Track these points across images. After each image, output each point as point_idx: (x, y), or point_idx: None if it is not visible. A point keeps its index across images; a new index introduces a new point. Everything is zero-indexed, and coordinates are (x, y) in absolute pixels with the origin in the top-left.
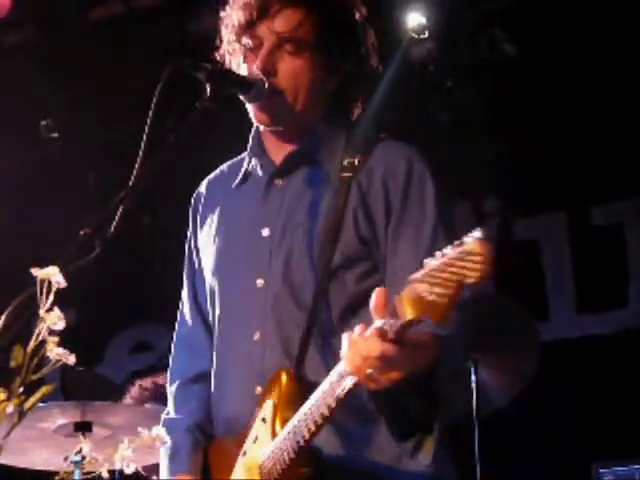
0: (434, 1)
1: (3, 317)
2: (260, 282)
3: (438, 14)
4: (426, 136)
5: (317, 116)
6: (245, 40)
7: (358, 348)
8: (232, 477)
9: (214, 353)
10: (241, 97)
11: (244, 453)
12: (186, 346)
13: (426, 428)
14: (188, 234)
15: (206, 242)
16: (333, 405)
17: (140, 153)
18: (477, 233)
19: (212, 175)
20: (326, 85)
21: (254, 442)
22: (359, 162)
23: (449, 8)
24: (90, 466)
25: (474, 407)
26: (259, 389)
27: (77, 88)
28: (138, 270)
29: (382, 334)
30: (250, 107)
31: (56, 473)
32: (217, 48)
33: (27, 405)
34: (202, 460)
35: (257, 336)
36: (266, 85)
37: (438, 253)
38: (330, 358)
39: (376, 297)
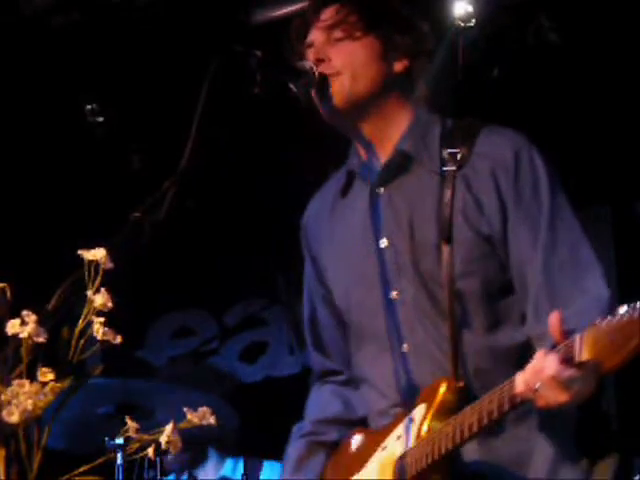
0: None
1: (53, 299)
2: (394, 294)
3: (484, 2)
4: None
5: (391, 104)
6: (303, 50)
7: (535, 363)
8: (366, 469)
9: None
10: (292, 86)
11: (384, 448)
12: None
13: (599, 453)
14: (305, 263)
15: (323, 259)
16: (494, 415)
17: (191, 138)
18: None
19: (315, 198)
20: (392, 66)
21: (397, 439)
22: (462, 155)
23: None
24: (134, 448)
25: None
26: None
27: (124, 72)
28: (183, 255)
29: (562, 358)
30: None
31: (99, 454)
32: (268, 35)
33: (74, 386)
34: (321, 462)
35: (406, 348)
36: (316, 73)
37: (632, 304)
38: (482, 358)
39: (552, 320)
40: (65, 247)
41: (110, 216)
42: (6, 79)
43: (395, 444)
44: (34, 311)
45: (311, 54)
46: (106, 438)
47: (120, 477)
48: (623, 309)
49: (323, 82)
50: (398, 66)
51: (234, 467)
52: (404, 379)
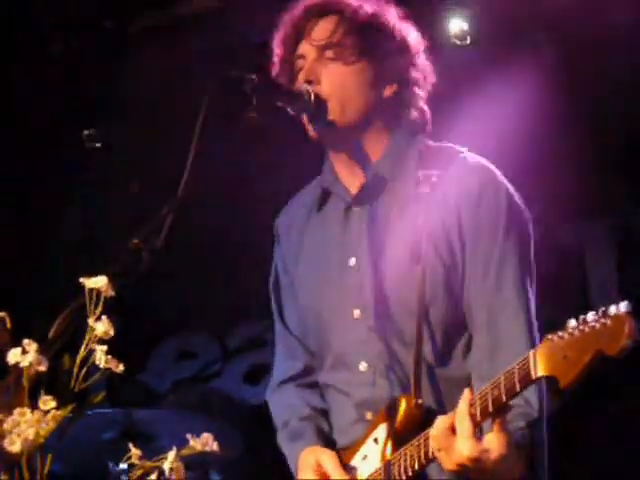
0: (476, 7)
1: (54, 327)
2: (357, 313)
3: (480, 20)
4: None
5: (378, 128)
6: (291, 65)
7: (453, 447)
8: None
9: (322, 378)
10: (289, 109)
11: (351, 469)
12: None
13: None
14: (274, 260)
15: (295, 268)
16: (420, 463)
17: (187, 163)
18: (623, 306)
19: (290, 203)
20: (381, 92)
21: (362, 459)
22: (436, 178)
23: (491, 13)
24: (138, 474)
25: None
26: (369, 415)
27: (123, 96)
28: (183, 279)
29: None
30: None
31: None
32: (262, 56)
33: (77, 413)
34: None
35: (364, 367)
36: (312, 96)
37: (581, 317)
38: (437, 386)
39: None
40: (66, 274)
41: (109, 242)
42: (5, 103)
43: (362, 464)
44: (35, 340)
45: (302, 72)
46: (110, 464)
47: None
48: (573, 323)
49: (318, 105)
50: (387, 91)
51: None
52: (364, 395)
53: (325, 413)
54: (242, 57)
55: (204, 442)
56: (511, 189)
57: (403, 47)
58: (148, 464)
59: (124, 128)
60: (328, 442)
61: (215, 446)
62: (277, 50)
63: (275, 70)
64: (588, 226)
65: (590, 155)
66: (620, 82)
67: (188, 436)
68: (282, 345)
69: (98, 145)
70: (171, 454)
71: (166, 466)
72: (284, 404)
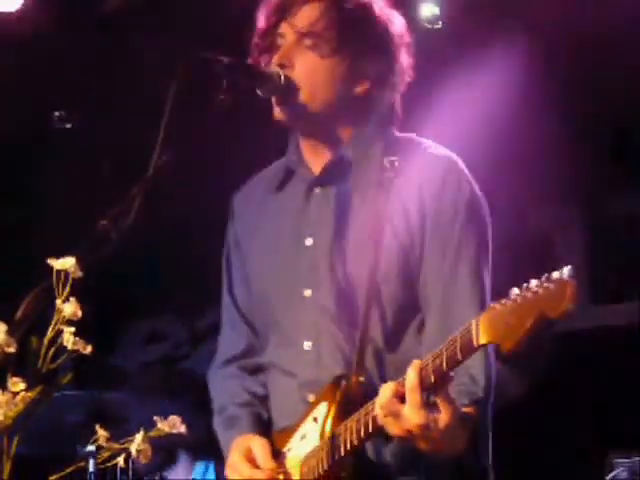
0: None
1: (21, 308)
2: (307, 292)
3: (452, 4)
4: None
5: (345, 121)
6: (270, 40)
7: (401, 415)
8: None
9: (267, 357)
10: (258, 91)
11: (289, 450)
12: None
13: None
14: (227, 235)
15: (248, 245)
16: (362, 436)
17: (157, 144)
18: (567, 270)
19: (250, 180)
20: (352, 88)
21: (301, 439)
22: (399, 164)
23: None
24: (105, 456)
25: None
26: (312, 397)
27: (93, 78)
28: (153, 261)
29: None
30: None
31: (71, 463)
32: (235, 36)
33: (44, 395)
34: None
35: (308, 346)
36: (282, 78)
37: (524, 284)
38: (383, 370)
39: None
40: (35, 255)
41: (80, 223)
42: None
43: (300, 444)
44: (3, 320)
45: (277, 54)
46: (78, 445)
47: None
48: (516, 290)
49: (288, 88)
50: (359, 89)
51: (205, 471)
52: (307, 376)
53: (264, 400)
54: (211, 39)
55: (171, 424)
56: (472, 180)
57: (382, 46)
58: (115, 446)
59: (94, 112)
60: (264, 429)
61: (183, 428)
62: (259, 23)
63: (253, 41)
64: (560, 210)
65: (563, 140)
66: (595, 65)
67: (156, 418)
68: (228, 320)
69: (68, 126)
70: (138, 436)
71: (133, 448)
72: (224, 387)
